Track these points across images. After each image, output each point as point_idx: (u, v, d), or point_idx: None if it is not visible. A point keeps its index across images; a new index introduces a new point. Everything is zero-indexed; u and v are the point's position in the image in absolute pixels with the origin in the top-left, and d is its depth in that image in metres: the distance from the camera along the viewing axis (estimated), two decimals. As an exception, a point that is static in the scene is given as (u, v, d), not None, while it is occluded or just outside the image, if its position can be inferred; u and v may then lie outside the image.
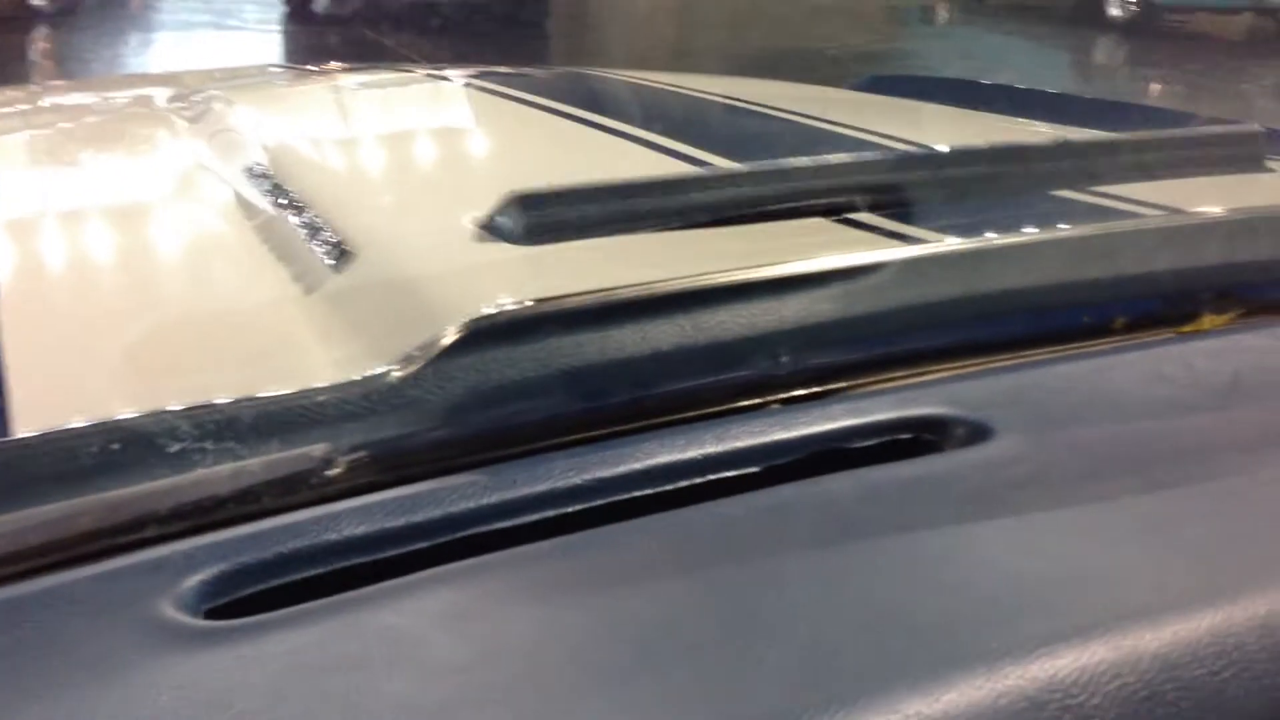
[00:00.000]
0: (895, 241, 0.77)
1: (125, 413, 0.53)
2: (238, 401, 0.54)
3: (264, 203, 0.90)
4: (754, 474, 0.55)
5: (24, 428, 0.59)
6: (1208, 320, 0.73)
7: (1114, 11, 10.77)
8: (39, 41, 8.43)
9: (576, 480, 0.53)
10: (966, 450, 0.56)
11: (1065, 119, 1.32)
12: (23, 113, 1.60)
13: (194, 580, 0.45)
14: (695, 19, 10.43)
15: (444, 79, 1.63)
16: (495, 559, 0.47)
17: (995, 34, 11.04)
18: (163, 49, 8.72)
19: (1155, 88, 8.53)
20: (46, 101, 1.75)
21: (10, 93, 1.93)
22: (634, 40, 9.16)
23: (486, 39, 8.60)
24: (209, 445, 0.52)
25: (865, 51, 8.96)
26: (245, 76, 2.01)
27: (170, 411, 0.53)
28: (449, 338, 0.57)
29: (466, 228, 0.78)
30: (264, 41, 9.08)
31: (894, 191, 0.83)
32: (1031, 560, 0.46)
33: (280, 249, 0.81)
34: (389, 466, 0.55)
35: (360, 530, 0.49)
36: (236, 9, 10.33)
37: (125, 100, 1.70)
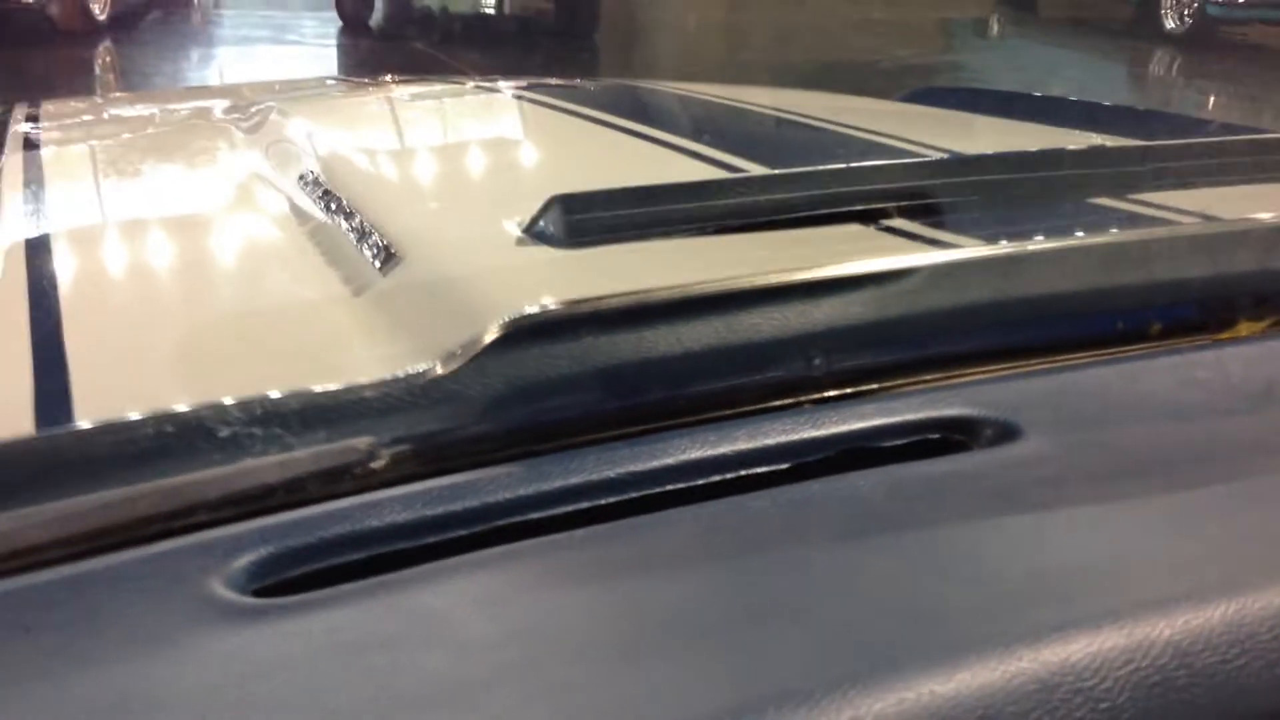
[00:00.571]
0: (930, 247, 0.78)
1: (180, 404, 0.56)
2: (287, 395, 0.56)
3: (315, 208, 0.93)
4: (784, 471, 0.57)
5: (84, 417, 0.61)
6: (1244, 327, 0.73)
7: (1170, 24, 10.63)
8: (102, 55, 8.64)
9: (609, 474, 0.54)
10: (994, 450, 0.57)
11: (1117, 131, 1.32)
12: (86, 123, 1.65)
13: (243, 561, 0.48)
14: (744, 33, 10.45)
15: (494, 90, 1.66)
16: (528, 546, 0.49)
17: (1048, 46, 10.93)
18: (223, 63, 8.89)
19: (1211, 100, 8.41)
20: (109, 113, 1.80)
21: (75, 104, 1.99)
22: (682, 54, 9.19)
23: (537, 53, 8.68)
24: (259, 435, 0.55)
25: (916, 64, 8.91)
26: (303, 89, 2.05)
27: (222, 403, 0.55)
28: (490, 336, 0.59)
29: (510, 231, 0.80)
30: (321, 56, 9.23)
31: (929, 197, 0.84)
32: (1051, 553, 0.46)
33: (330, 252, 0.84)
34: (430, 459, 0.57)
35: (401, 517, 0.51)
36: (295, 24, 10.52)
37: (185, 112, 1.74)
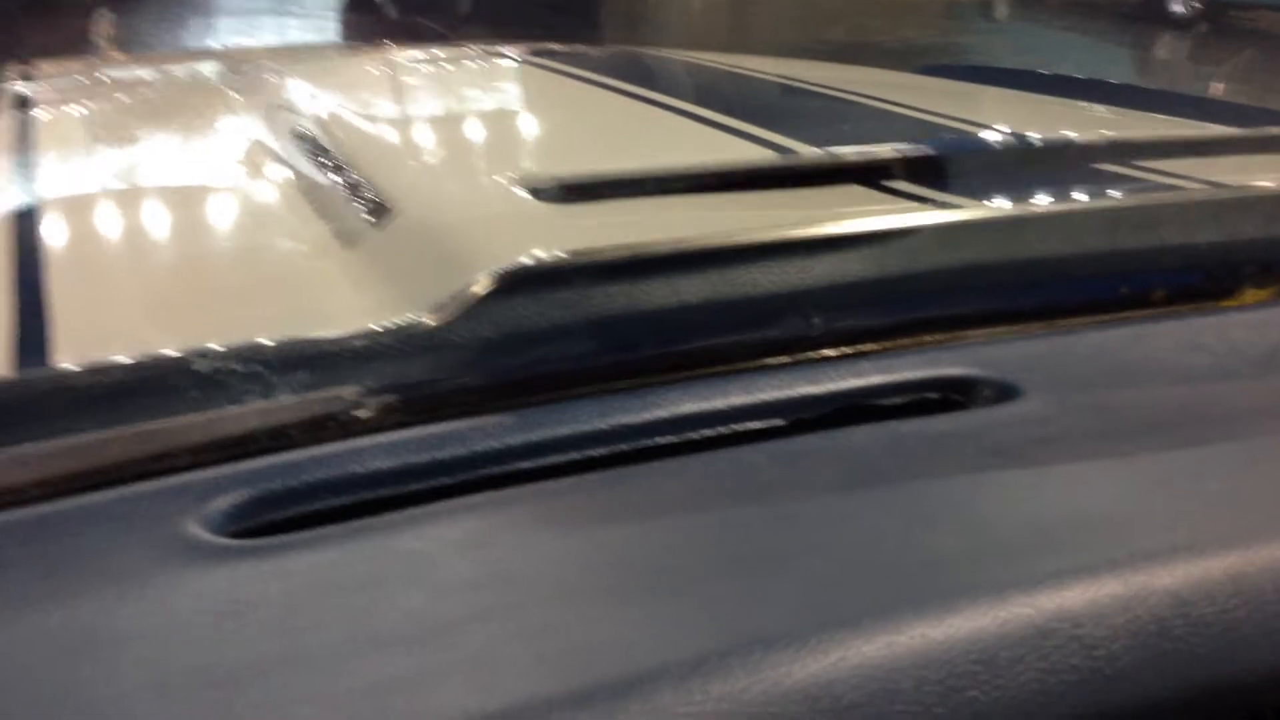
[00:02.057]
0: (933, 207, 0.77)
1: (165, 348, 0.54)
2: (273, 342, 0.55)
3: (308, 164, 0.91)
4: (780, 428, 0.56)
5: (64, 361, 0.60)
6: (1249, 294, 0.72)
7: (1177, 8, 10.58)
8: (100, 25, 8.57)
9: (601, 425, 0.53)
10: (993, 409, 0.56)
11: (1121, 104, 1.31)
12: (81, 83, 1.63)
13: (222, 503, 0.47)
14: (748, 13, 10.39)
15: (496, 55, 1.64)
16: (516, 493, 0.48)
17: (1055, 29, 10.87)
18: (223, 33, 8.84)
19: (1218, 86, 8.37)
20: (105, 74, 1.79)
21: (71, 64, 1.97)
22: (687, 33, 9.14)
23: (543, 27, 8.63)
24: (245, 381, 0.54)
25: (922, 45, 8.86)
26: (307, 54, 2.03)
27: (207, 348, 0.54)
28: (481, 287, 0.58)
29: (504, 187, 0.79)
30: (323, 28, 9.17)
31: (933, 160, 0.82)
32: (1048, 507, 0.45)
33: (322, 206, 0.83)
34: (419, 408, 0.56)
35: (386, 464, 0.50)
36: (296, -4, 10.45)
37: (181, 73, 1.73)
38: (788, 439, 0.53)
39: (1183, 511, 0.45)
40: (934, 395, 0.58)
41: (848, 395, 0.57)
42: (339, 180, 0.84)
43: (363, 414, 0.55)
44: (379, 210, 0.77)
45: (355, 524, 0.45)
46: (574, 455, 0.52)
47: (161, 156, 1.07)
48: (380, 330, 0.57)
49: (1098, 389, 0.59)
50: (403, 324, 0.57)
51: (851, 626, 0.36)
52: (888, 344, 0.64)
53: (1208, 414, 0.56)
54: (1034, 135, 0.85)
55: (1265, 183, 0.78)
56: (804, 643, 0.35)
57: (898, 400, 0.58)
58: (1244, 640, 0.38)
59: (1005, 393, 0.57)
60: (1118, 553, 0.40)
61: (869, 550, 0.42)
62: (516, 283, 0.58)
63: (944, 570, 0.40)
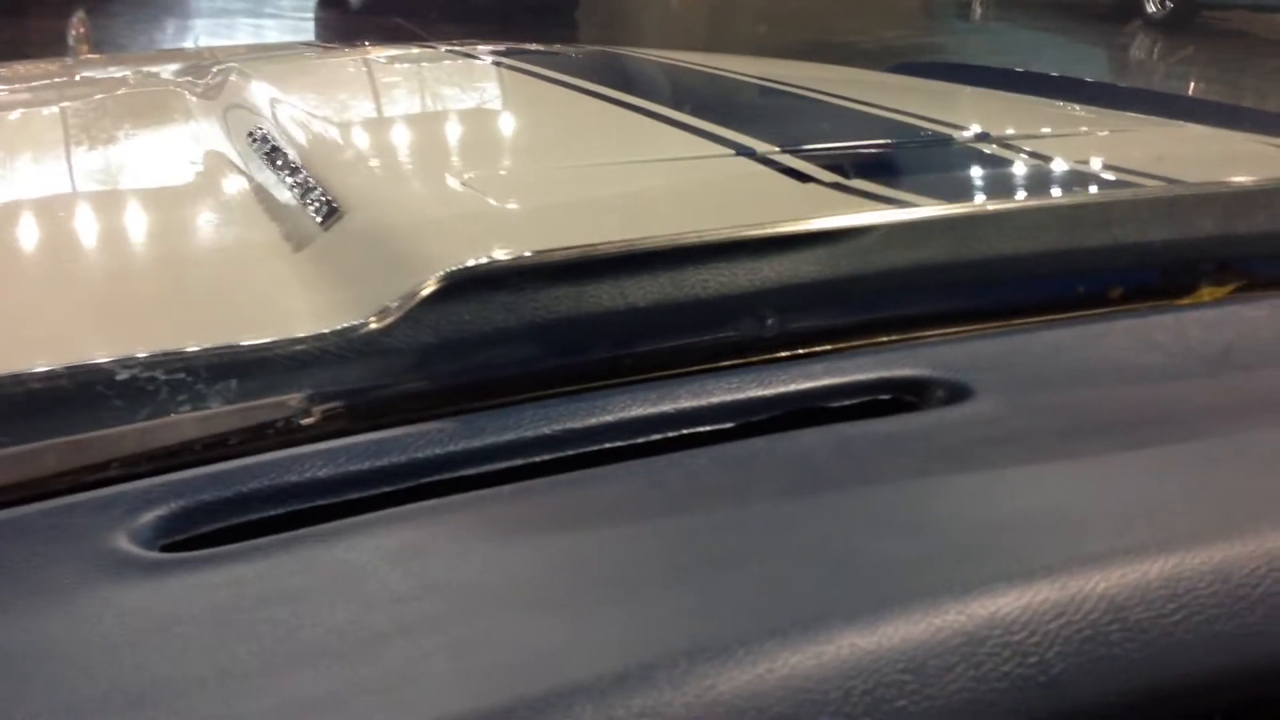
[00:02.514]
0: (887, 205, 0.76)
1: (100, 357, 0.53)
2: (212, 349, 0.54)
3: (262, 165, 0.90)
4: (729, 430, 0.55)
5: None
6: (1206, 293, 0.72)
7: (1151, 8, 10.64)
8: (75, 26, 8.50)
9: (545, 430, 0.52)
10: (944, 410, 0.55)
11: (1093, 103, 1.30)
12: (42, 85, 1.61)
13: (150, 515, 0.45)
14: (726, 12, 10.40)
15: (467, 55, 1.63)
16: (454, 501, 0.47)
17: (1030, 30, 10.93)
18: (199, 35, 8.78)
19: (1191, 85, 8.42)
20: (71, 74, 1.76)
21: (38, 65, 1.95)
22: (665, 33, 9.14)
23: (520, 29, 8.61)
24: (182, 390, 0.52)
25: (899, 46, 8.89)
26: (278, 53, 2.01)
27: (142, 357, 0.53)
28: (425, 289, 0.57)
29: (457, 188, 0.78)
30: (299, 29, 9.13)
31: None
32: (992, 510, 0.45)
33: (272, 208, 0.81)
34: (363, 415, 0.55)
35: (324, 472, 0.49)
36: (272, -3, 10.40)
37: (146, 73, 1.71)
38: (735, 442, 0.52)
39: (1126, 515, 0.44)
40: (886, 396, 0.58)
41: (798, 397, 0.57)
42: (292, 182, 0.83)
43: (304, 421, 0.54)
44: (330, 212, 0.76)
45: (287, 535, 0.44)
46: (518, 461, 0.51)
47: (113, 159, 1.05)
48: (322, 335, 0.56)
49: (1051, 389, 0.58)
50: (346, 328, 0.56)
51: (780, 636, 0.35)
52: (841, 345, 0.64)
53: (1159, 414, 0.55)
54: (993, 132, 0.85)
55: (1223, 178, 0.78)
56: (731, 653, 0.34)
57: (849, 402, 0.57)
58: (1180, 645, 0.37)
59: (957, 393, 0.56)
60: (1054, 557, 0.39)
61: (810, 557, 0.42)
62: (463, 285, 0.57)
63: (882, 577, 0.39)
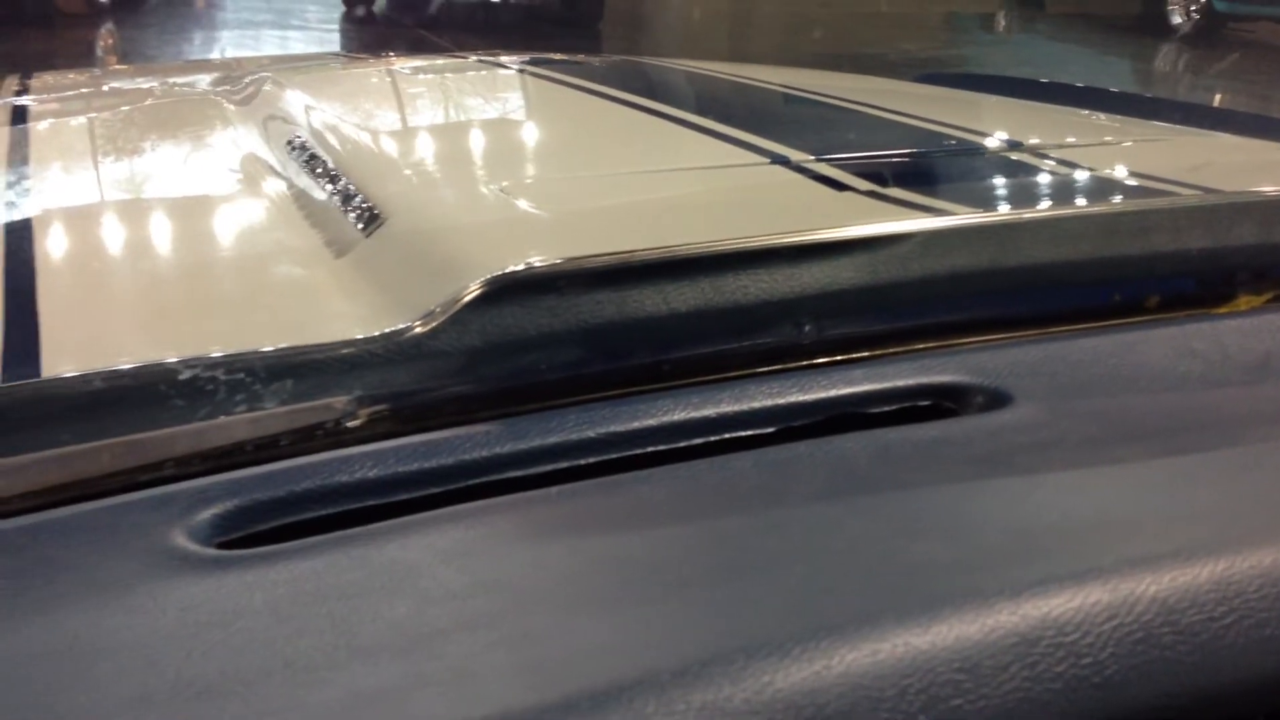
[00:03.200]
0: (925, 214, 0.77)
1: (153, 359, 0.54)
2: (263, 352, 0.55)
3: (301, 173, 0.91)
4: (770, 435, 0.55)
5: (53, 371, 0.60)
6: (1244, 301, 0.72)
7: (1176, 20, 10.60)
8: (104, 38, 8.61)
9: (589, 433, 0.53)
10: (984, 416, 0.56)
11: (1116, 112, 1.30)
12: (77, 95, 1.63)
13: (207, 513, 0.46)
14: (750, 24, 10.41)
15: (496, 65, 1.64)
16: (502, 502, 0.48)
17: (1055, 42, 10.89)
18: (225, 46, 8.86)
19: (1218, 96, 8.38)
20: (102, 85, 1.79)
21: (69, 76, 1.97)
22: (685, 45, 9.17)
23: (541, 41, 8.65)
24: (233, 392, 0.53)
25: (923, 58, 8.88)
26: (306, 64, 2.03)
27: (196, 359, 0.54)
28: (470, 294, 0.57)
29: (495, 195, 0.79)
30: (324, 40, 9.20)
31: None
32: (1036, 514, 0.45)
33: (314, 215, 0.83)
34: (408, 419, 0.56)
35: (373, 473, 0.50)
36: (299, 9, 10.48)
37: (179, 84, 1.73)
38: (777, 446, 0.52)
39: (1172, 518, 0.44)
40: (925, 403, 0.58)
41: (838, 403, 0.57)
42: (332, 189, 0.84)
43: (351, 423, 0.55)
44: (371, 218, 0.77)
45: (341, 534, 0.45)
46: (562, 464, 0.52)
47: (156, 167, 1.06)
48: (368, 339, 0.56)
49: (1089, 396, 0.58)
50: (391, 331, 0.57)
51: (836, 634, 0.35)
52: (879, 351, 0.64)
53: (1199, 421, 0.55)
54: (1026, 141, 0.85)
55: (1260, 188, 0.78)
56: (787, 651, 0.35)
57: (889, 408, 0.57)
58: (1231, 649, 0.37)
59: (996, 400, 0.57)
60: (1105, 560, 0.39)
61: (854, 558, 0.42)
62: (505, 290, 0.58)
63: (929, 577, 0.40)
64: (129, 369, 0.53)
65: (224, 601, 0.40)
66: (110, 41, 8.59)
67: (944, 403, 0.58)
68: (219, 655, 0.37)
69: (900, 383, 0.58)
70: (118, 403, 0.52)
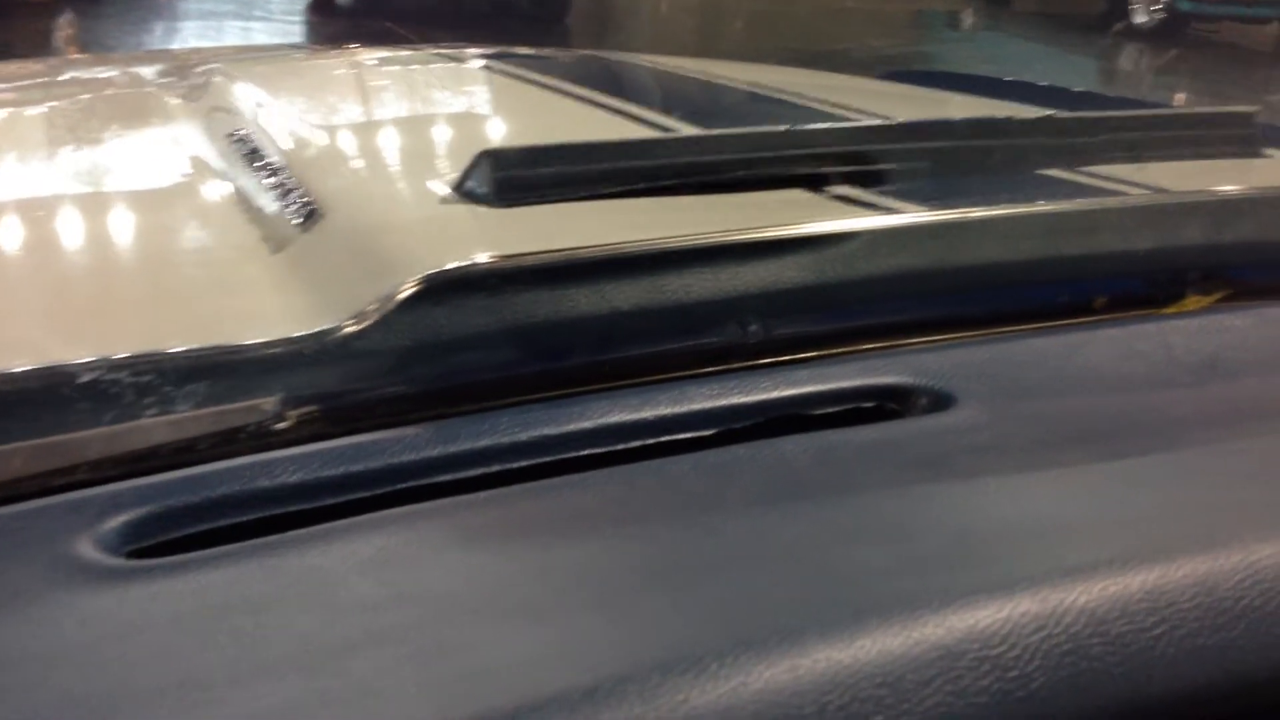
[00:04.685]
0: (872, 212, 0.76)
1: (70, 359, 0.52)
2: (179, 352, 0.53)
3: (241, 166, 0.89)
4: (711, 437, 0.54)
5: None
6: (1191, 301, 0.71)
7: (1140, 19, 10.69)
8: (63, 27, 8.48)
9: (523, 436, 0.52)
10: (927, 418, 0.55)
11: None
12: (24, 85, 1.60)
13: (118, 521, 0.45)
14: (717, 19, 10.42)
15: (456, 59, 1.61)
16: (429, 507, 0.46)
17: (1020, 40, 10.97)
18: (186, 38, 8.75)
19: (1179, 96, 8.47)
20: (54, 75, 1.75)
21: (20, 65, 1.93)
22: (655, 39, 9.16)
23: (510, 34, 8.61)
24: (148, 394, 0.51)
25: (889, 54, 8.91)
26: (265, 55, 2.00)
27: (113, 359, 0.52)
28: (404, 292, 0.56)
29: (439, 191, 0.77)
30: (288, 33, 9.10)
31: (872, 162, 0.81)
32: (973, 519, 0.44)
33: (251, 210, 0.81)
34: (338, 420, 0.54)
35: (296, 478, 0.48)
36: (261, 0, 10.37)
37: (130, 74, 1.69)
38: (716, 449, 0.51)
39: (1108, 525, 0.43)
40: (869, 404, 0.57)
41: (781, 404, 0.56)
42: (272, 183, 0.82)
43: (278, 425, 0.53)
44: (309, 214, 0.75)
45: (256, 542, 0.43)
46: (495, 468, 0.51)
47: (91, 159, 1.04)
48: (296, 338, 0.55)
49: (1033, 398, 0.58)
50: (321, 331, 0.55)
51: (756, 649, 0.34)
52: (824, 351, 0.63)
53: (1142, 423, 0.55)
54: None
55: (1208, 187, 0.78)
56: (704, 667, 0.33)
57: (832, 409, 0.57)
58: (1162, 659, 0.37)
59: (940, 401, 0.56)
60: (1036, 568, 0.39)
61: (787, 565, 0.41)
62: (440, 288, 0.56)
63: (860, 586, 0.39)
64: (38, 369, 0.51)
65: (126, 614, 0.39)
66: (71, 32, 8.46)
67: (888, 404, 0.57)
68: (113, 671, 0.35)
69: (844, 384, 0.57)
70: (22, 405, 0.50)
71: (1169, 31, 10.45)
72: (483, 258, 0.58)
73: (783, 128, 0.81)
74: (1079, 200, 0.76)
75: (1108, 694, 0.36)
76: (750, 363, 0.62)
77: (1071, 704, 0.35)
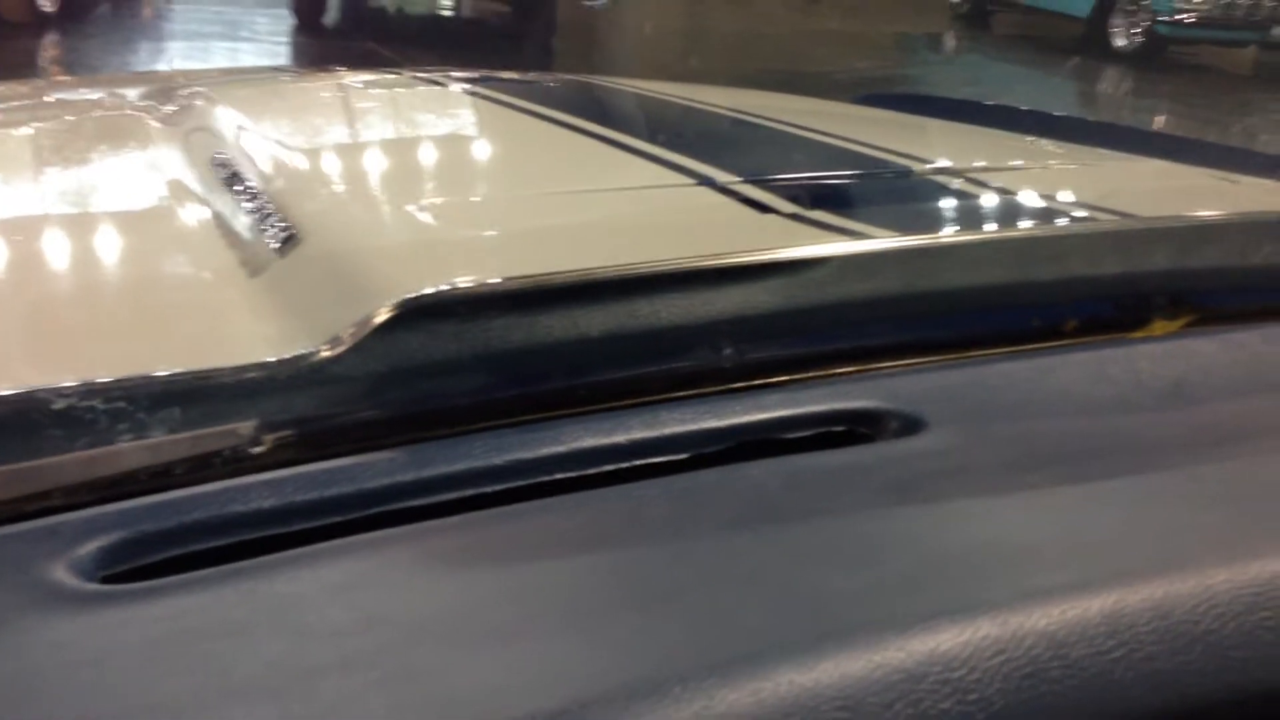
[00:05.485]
0: (844, 236, 0.77)
1: (44, 383, 0.52)
2: (153, 377, 0.53)
3: (220, 190, 0.89)
4: (683, 462, 0.55)
5: None
6: (1159, 326, 0.72)
7: (1119, 42, 10.79)
8: (47, 48, 8.47)
9: (496, 460, 0.52)
10: (896, 442, 0.56)
11: (1060, 137, 1.31)
12: (22, 107, 1.60)
13: (91, 546, 0.45)
14: (701, 41, 10.48)
15: (439, 83, 1.62)
16: (400, 532, 0.47)
17: (1001, 62, 11.07)
18: (173, 58, 8.75)
19: (1159, 119, 8.55)
20: (36, 97, 1.75)
21: (16, 87, 1.93)
22: (639, 62, 9.20)
23: (494, 56, 8.63)
24: (121, 420, 0.52)
25: (871, 77, 8.97)
26: (249, 77, 2.01)
27: (78, 385, 0.52)
28: (378, 318, 0.56)
29: (418, 216, 0.78)
30: (274, 53, 9.11)
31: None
32: (940, 543, 0.45)
33: (229, 235, 0.81)
34: (313, 445, 0.54)
35: (269, 503, 0.48)
36: (248, 20, 10.38)
37: (113, 96, 1.70)
38: (686, 474, 0.52)
39: (1070, 548, 0.44)
40: (840, 428, 0.58)
41: (752, 429, 0.56)
42: (251, 207, 0.83)
43: (253, 450, 0.53)
44: (287, 238, 0.76)
45: (229, 567, 0.44)
46: (467, 492, 0.51)
47: (70, 183, 1.04)
48: (271, 363, 0.55)
49: (1004, 421, 0.58)
50: (296, 356, 0.56)
51: (719, 673, 0.35)
52: (796, 376, 0.64)
53: (1109, 447, 0.56)
54: (952, 165, 0.86)
55: (1177, 213, 0.79)
56: (667, 691, 0.34)
57: (803, 433, 0.57)
58: (1120, 684, 0.37)
59: (910, 426, 0.57)
60: (998, 592, 0.39)
61: (753, 589, 0.42)
62: (415, 314, 0.57)
63: (824, 610, 0.39)
64: (9, 395, 0.51)
65: (98, 640, 0.39)
66: (55, 53, 8.45)
67: (859, 428, 0.58)
68: (82, 697, 0.36)
69: (815, 408, 0.58)
70: (3, 431, 0.50)
71: (1148, 55, 10.55)
72: (457, 283, 0.59)
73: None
74: (1049, 226, 0.77)
75: (1067, 717, 0.36)
76: (723, 387, 0.62)
77: None
